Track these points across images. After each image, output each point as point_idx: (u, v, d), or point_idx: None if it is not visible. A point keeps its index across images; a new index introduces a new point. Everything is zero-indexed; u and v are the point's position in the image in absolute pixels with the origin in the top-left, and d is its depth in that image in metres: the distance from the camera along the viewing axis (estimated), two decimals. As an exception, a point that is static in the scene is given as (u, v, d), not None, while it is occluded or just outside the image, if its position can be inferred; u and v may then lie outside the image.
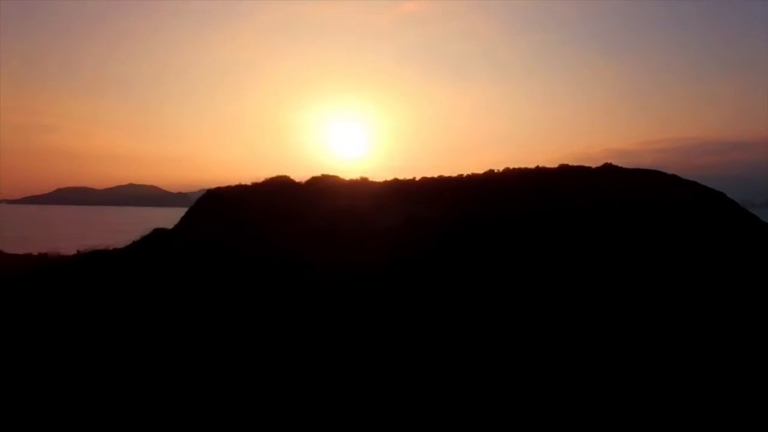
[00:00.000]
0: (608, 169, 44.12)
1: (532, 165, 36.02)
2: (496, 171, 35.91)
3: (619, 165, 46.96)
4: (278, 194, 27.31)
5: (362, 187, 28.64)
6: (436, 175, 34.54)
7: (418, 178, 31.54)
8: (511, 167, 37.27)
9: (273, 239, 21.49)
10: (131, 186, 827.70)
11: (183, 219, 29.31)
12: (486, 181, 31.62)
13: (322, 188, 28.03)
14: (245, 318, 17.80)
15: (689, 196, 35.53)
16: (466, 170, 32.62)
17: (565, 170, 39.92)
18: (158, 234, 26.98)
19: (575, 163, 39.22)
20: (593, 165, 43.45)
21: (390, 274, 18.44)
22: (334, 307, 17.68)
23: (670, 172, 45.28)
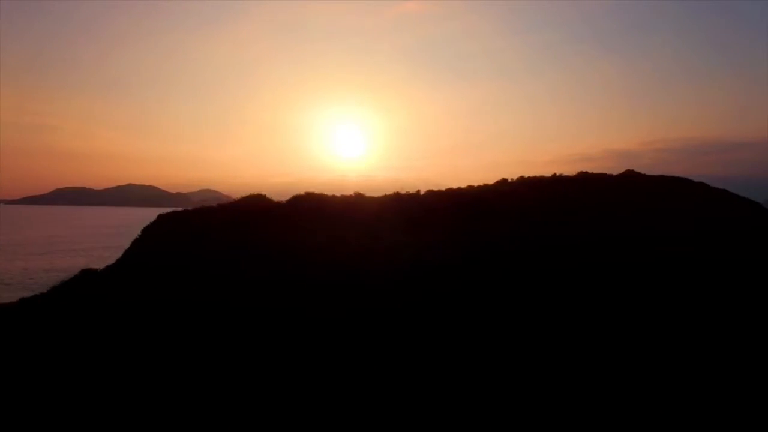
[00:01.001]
0: (630, 177, 40.42)
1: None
2: (510, 180, 31.95)
3: (639, 171, 43.66)
4: (247, 222, 22.25)
5: (355, 208, 23.45)
6: (442, 186, 30.68)
7: (423, 192, 27.26)
8: (526, 176, 33.35)
9: (230, 290, 17.12)
10: (130, 186, 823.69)
11: (126, 253, 24.10)
12: (500, 195, 27.57)
13: (304, 212, 23.00)
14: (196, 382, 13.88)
15: (733, 209, 31.60)
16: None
17: (584, 179, 36.16)
18: (86, 277, 21.09)
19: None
20: (611, 171, 39.80)
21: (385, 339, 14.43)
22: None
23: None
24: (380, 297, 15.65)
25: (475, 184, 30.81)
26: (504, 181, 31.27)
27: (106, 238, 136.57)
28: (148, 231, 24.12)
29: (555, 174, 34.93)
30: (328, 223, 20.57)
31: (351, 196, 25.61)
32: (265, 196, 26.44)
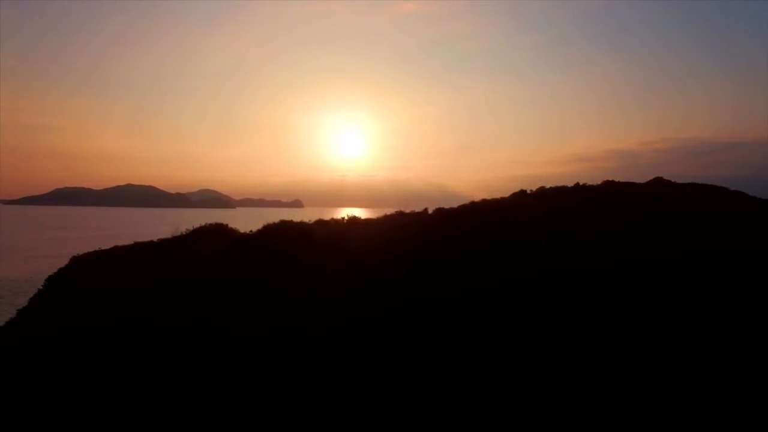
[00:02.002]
0: (660, 186, 36.50)
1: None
2: (528, 192, 27.78)
3: (670, 179, 39.86)
4: (193, 266, 17.25)
5: (345, 236, 18.61)
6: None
7: (431, 210, 22.79)
8: (547, 186, 29.27)
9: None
10: (130, 186, 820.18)
11: (20, 313, 18.70)
12: (520, 211, 23.35)
13: (276, 248, 18.01)
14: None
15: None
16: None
17: (611, 188, 32.14)
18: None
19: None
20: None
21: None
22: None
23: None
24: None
25: (487, 195, 26.65)
26: (523, 192, 27.11)
27: (98, 242, 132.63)
28: (55, 281, 19.25)
29: (578, 183, 30.82)
30: (306, 266, 15.81)
31: (342, 221, 20.87)
32: (225, 225, 21.53)
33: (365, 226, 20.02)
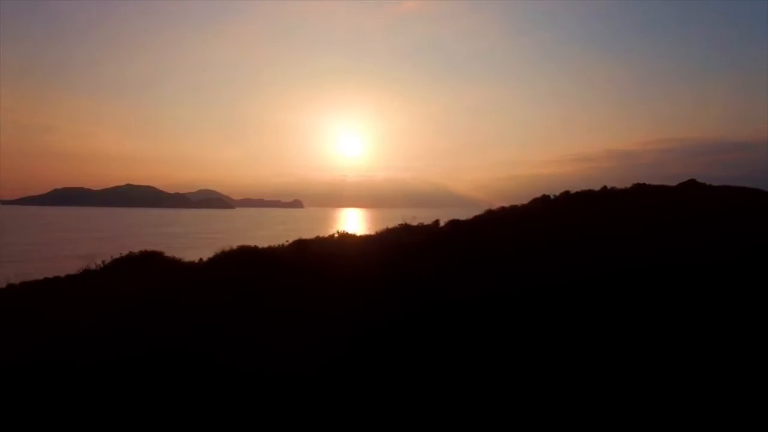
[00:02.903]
0: (693, 189, 33.04)
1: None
2: (552, 197, 24.22)
3: (703, 182, 36.46)
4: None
5: (332, 270, 13.90)
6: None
7: (442, 223, 18.92)
8: (572, 191, 25.73)
9: None
10: (129, 187, 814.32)
11: None
12: (546, 220, 19.73)
13: (229, 288, 12.82)
14: None
15: None
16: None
17: (642, 191, 28.71)
18: None
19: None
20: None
21: None
22: None
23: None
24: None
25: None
26: (545, 198, 23.57)
27: (90, 244, 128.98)
28: None
29: (605, 187, 27.34)
30: (271, 322, 11.06)
31: (332, 238, 16.78)
32: (161, 254, 16.41)
33: (360, 244, 15.85)
